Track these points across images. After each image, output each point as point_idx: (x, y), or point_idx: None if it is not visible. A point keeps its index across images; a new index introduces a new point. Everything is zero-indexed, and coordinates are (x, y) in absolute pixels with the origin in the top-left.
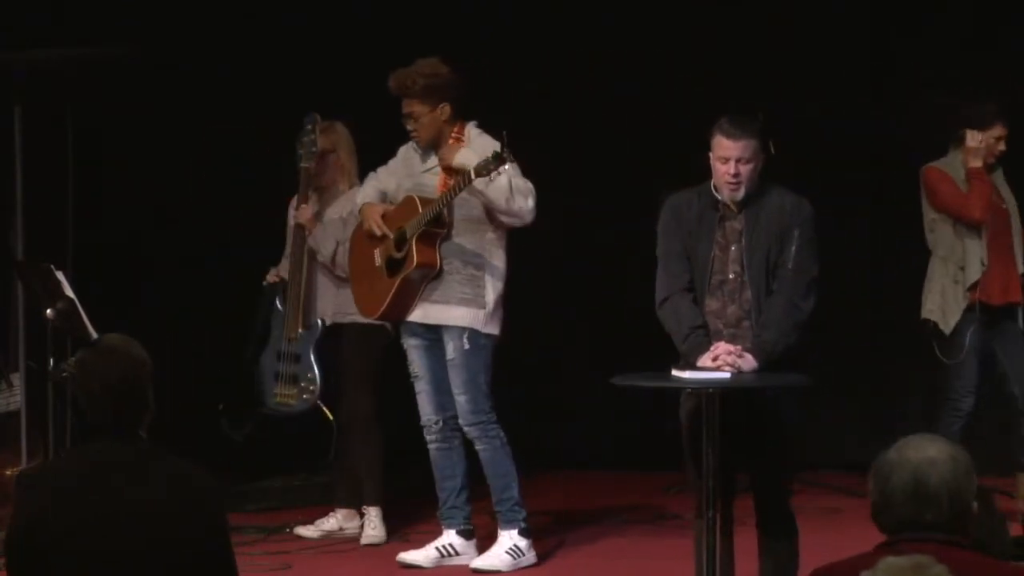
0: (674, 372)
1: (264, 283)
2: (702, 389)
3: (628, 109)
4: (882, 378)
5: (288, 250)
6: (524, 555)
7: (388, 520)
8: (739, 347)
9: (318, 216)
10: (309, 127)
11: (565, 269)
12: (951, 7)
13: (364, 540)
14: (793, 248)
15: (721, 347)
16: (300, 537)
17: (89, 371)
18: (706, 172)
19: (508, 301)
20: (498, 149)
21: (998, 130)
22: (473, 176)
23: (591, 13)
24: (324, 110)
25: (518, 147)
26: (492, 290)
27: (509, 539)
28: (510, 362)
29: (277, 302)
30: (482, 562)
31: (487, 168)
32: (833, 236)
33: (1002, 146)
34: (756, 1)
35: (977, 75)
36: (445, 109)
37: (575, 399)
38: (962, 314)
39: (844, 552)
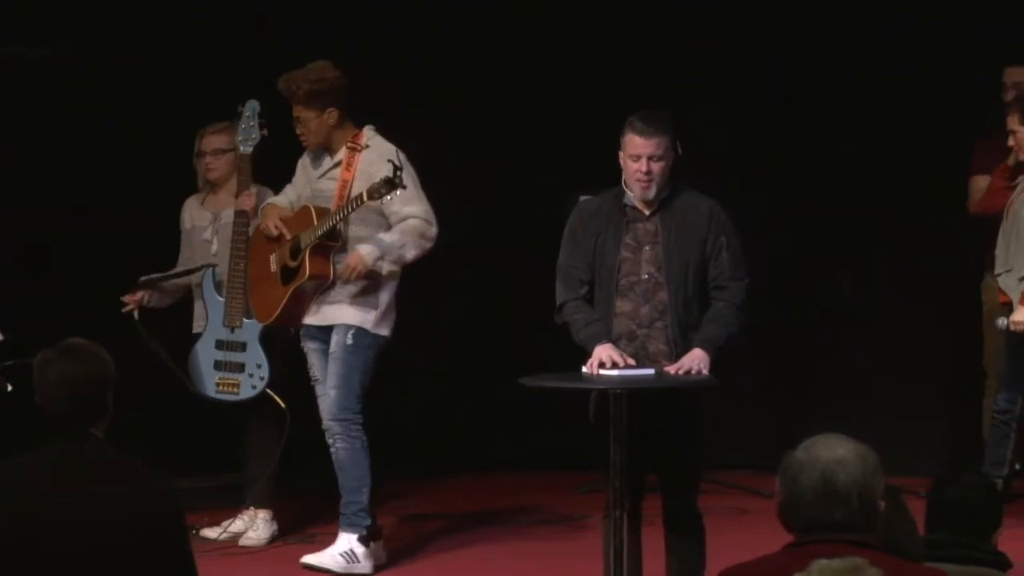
0: (584, 370)
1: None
2: (610, 389)
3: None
4: (798, 378)
5: (184, 254)
6: (359, 562)
7: (292, 522)
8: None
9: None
10: (248, 114)
11: None
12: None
13: (242, 541)
14: (726, 255)
15: (607, 352)
16: (206, 539)
17: (48, 366)
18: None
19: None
20: (390, 174)
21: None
22: (365, 199)
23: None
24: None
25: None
26: (386, 291)
27: (347, 543)
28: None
29: (215, 291)
30: (314, 559)
31: (379, 192)
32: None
33: (1010, 140)
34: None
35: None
36: (332, 114)
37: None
38: None
39: (752, 552)
